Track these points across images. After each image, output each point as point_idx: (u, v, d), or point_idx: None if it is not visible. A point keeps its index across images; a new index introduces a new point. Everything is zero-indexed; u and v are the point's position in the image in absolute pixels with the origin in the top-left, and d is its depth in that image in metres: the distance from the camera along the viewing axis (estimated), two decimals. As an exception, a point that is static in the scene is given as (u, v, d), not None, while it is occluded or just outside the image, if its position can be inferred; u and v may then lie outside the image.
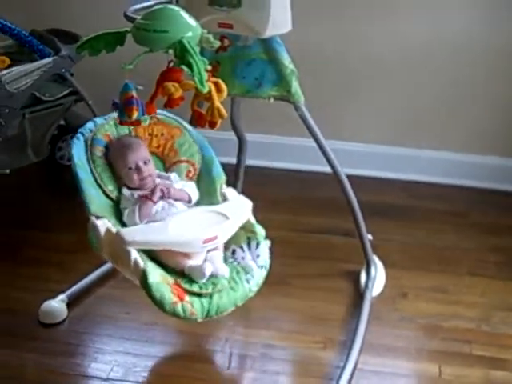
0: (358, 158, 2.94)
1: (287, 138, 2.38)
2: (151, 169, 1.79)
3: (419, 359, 2.01)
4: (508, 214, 2.75)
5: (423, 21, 2.74)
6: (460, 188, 2.92)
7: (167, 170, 1.88)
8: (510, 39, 2.71)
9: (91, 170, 1.75)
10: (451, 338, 2.08)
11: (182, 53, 1.42)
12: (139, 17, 1.50)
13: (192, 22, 1.49)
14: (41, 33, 2.60)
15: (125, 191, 1.77)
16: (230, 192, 1.83)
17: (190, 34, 1.46)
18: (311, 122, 1.99)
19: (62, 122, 2.82)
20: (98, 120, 1.85)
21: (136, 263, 1.56)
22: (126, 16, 1.66)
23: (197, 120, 1.59)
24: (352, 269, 2.33)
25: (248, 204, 1.75)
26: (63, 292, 2.18)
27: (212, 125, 1.55)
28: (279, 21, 1.78)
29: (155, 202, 1.73)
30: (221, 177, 1.86)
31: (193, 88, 1.47)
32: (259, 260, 1.72)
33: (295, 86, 1.91)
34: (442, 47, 2.76)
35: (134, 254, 1.56)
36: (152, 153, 1.86)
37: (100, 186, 1.75)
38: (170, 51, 1.46)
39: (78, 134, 1.80)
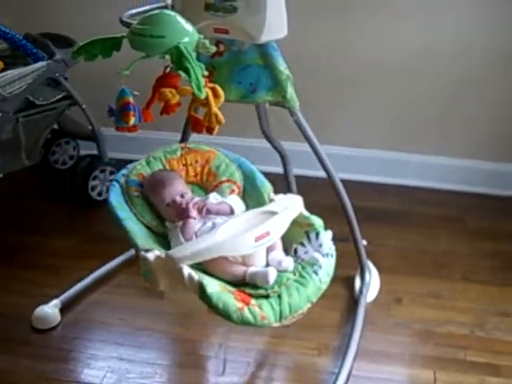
0: (353, 163, 2.95)
1: (282, 143, 2.37)
2: (189, 200, 1.73)
3: (414, 365, 2.01)
4: (502, 220, 2.75)
5: (419, 26, 2.74)
6: (454, 193, 2.93)
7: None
8: (507, 46, 2.71)
9: (130, 209, 1.72)
10: (445, 344, 2.08)
11: (178, 58, 1.42)
12: (135, 22, 1.49)
13: (188, 27, 1.49)
14: (35, 37, 2.59)
15: (169, 224, 1.72)
16: (279, 197, 1.77)
17: (186, 39, 1.45)
18: (306, 127, 1.99)
19: (56, 126, 2.81)
20: (130, 165, 1.83)
21: (191, 278, 1.45)
22: (121, 21, 1.66)
23: (194, 126, 1.59)
24: (346, 274, 2.32)
25: (298, 198, 1.71)
26: (56, 297, 2.17)
27: (209, 131, 1.55)
28: (275, 26, 1.78)
29: (194, 218, 1.67)
30: (266, 186, 1.82)
31: (190, 94, 1.47)
32: (323, 249, 1.65)
33: (290, 92, 1.91)
34: (438, 53, 2.76)
35: (187, 270, 1.47)
36: (191, 182, 1.84)
37: (143, 222, 1.72)
38: (167, 56, 1.45)
39: (113, 182, 1.78)
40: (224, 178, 1.85)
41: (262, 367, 2.00)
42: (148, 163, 1.84)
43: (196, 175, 1.87)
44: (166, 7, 1.84)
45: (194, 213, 1.67)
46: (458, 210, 2.82)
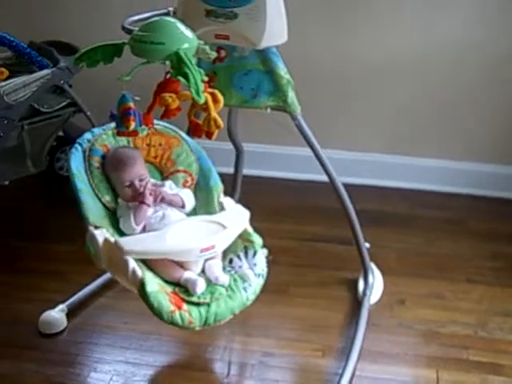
0: (355, 167, 2.96)
1: (284, 148, 2.39)
2: (147, 184, 1.78)
3: (417, 365, 2.02)
4: (505, 221, 2.76)
5: (420, 30, 2.76)
6: (457, 196, 2.94)
7: (164, 179, 1.89)
8: (507, 48, 2.73)
9: (89, 180, 1.76)
10: (449, 344, 2.09)
11: (178, 64, 1.43)
12: (136, 29, 1.52)
13: (188, 33, 1.50)
14: (39, 45, 2.62)
15: (121, 201, 1.78)
16: (228, 201, 1.84)
17: (186, 45, 1.47)
18: (308, 131, 2.00)
19: (61, 134, 2.83)
20: (96, 130, 1.86)
21: (134, 272, 1.56)
22: (123, 28, 1.68)
23: (193, 130, 1.61)
24: (350, 277, 2.34)
25: (245, 213, 1.76)
26: (63, 302, 2.19)
27: (209, 135, 1.56)
28: (275, 32, 1.80)
29: (149, 205, 1.74)
30: (218, 186, 1.87)
31: (189, 99, 1.48)
32: (256, 268, 1.73)
33: (291, 96, 1.93)
34: (439, 56, 2.78)
35: (132, 264, 1.57)
36: (149, 162, 1.88)
37: (97, 196, 1.76)
38: (167, 62, 1.47)
39: (76, 145, 1.81)
40: (181, 168, 1.89)
41: (266, 369, 2.01)
42: (113, 135, 1.85)
43: (156, 157, 1.90)
44: (167, 14, 1.86)
45: (150, 200, 1.74)
46: (459, 212, 2.83)
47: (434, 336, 2.13)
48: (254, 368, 2.01)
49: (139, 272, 1.57)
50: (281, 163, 2.67)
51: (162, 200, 1.77)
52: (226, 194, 1.88)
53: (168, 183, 1.84)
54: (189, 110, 1.58)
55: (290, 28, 1.84)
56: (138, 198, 1.75)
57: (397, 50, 2.80)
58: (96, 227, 1.66)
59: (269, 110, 1.99)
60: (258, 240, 1.76)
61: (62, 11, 2.94)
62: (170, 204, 1.79)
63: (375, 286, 2.31)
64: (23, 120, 2.49)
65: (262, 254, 1.76)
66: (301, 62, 2.56)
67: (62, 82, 2.56)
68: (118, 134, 1.64)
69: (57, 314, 2.15)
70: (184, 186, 1.87)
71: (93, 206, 1.72)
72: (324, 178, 2.10)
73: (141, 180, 1.78)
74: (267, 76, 1.92)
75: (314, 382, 1.96)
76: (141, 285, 1.55)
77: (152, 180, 1.83)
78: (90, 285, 2.29)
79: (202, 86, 1.43)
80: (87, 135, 1.84)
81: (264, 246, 1.77)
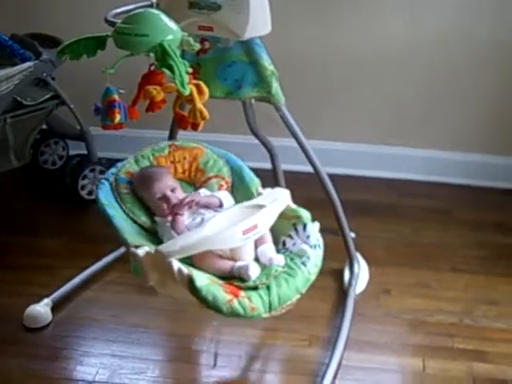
0: (340, 157, 2.96)
1: (270, 139, 2.39)
2: (179, 195, 1.76)
3: (403, 354, 2.03)
4: (490, 211, 2.78)
5: (406, 20, 2.76)
6: (443, 185, 2.95)
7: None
8: (494, 38, 2.73)
9: (120, 207, 1.74)
10: (434, 333, 2.10)
11: (162, 56, 1.43)
12: (120, 21, 1.51)
13: (172, 25, 1.50)
14: (21, 37, 2.59)
15: (158, 219, 1.75)
16: (267, 191, 1.79)
17: (170, 37, 1.47)
18: (292, 122, 2.00)
19: (45, 127, 2.81)
20: (119, 164, 1.85)
21: (180, 272, 1.47)
22: (106, 20, 1.67)
23: (179, 122, 1.60)
24: (336, 267, 2.34)
25: (285, 191, 1.73)
26: (47, 296, 2.18)
27: (194, 127, 1.56)
28: (259, 23, 1.80)
29: (182, 214, 1.70)
30: (254, 180, 1.84)
31: (174, 91, 1.48)
32: (311, 240, 1.66)
33: (276, 87, 1.92)
34: (425, 47, 2.78)
35: (177, 264, 1.48)
36: (179, 179, 1.86)
37: (133, 219, 1.73)
38: (151, 54, 1.47)
39: (102, 180, 1.80)
40: (212, 174, 1.87)
41: (253, 360, 2.02)
42: (136, 161, 1.86)
43: (184, 172, 1.89)
44: (150, 6, 1.85)
45: (183, 209, 1.70)
46: (445, 201, 2.85)
47: (420, 325, 2.14)
48: (240, 359, 2.01)
49: (185, 270, 1.48)
50: (265, 154, 2.64)
51: (198, 205, 1.72)
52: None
53: (202, 190, 1.82)
54: (174, 102, 1.57)
55: (274, 19, 1.83)
56: (172, 209, 1.71)
57: (382, 41, 2.80)
58: (136, 247, 1.57)
59: (253, 100, 1.99)
60: (304, 213, 1.71)
61: (44, 3, 2.91)
62: (207, 207, 1.74)
63: (361, 275, 2.32)
64: (6, 113, 2.47)
65: (313, 225, 1.70)
66: (285, 53, 2.57)
67: (44, 74, 2.55)
68: (104, 127, 1.62)
69: (41, 308, 2.14)
70: (220, 190, 1.84)
71: (130, 229, 1.68)
72: (308, 168, 2.10)
73: (172, 191, 1.75)
74: (251, 67, 1.91)
75: (300, 371, 1.97)
76: (189, 281, 1.46)
77: (185, 194, 1.79)
78: (76, 278, 2.27)
79: (186, 78, 1.43)
80: (111, 170, 1.84)
81: (313, 219, 1.72)
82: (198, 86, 1.52)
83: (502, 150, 2.92)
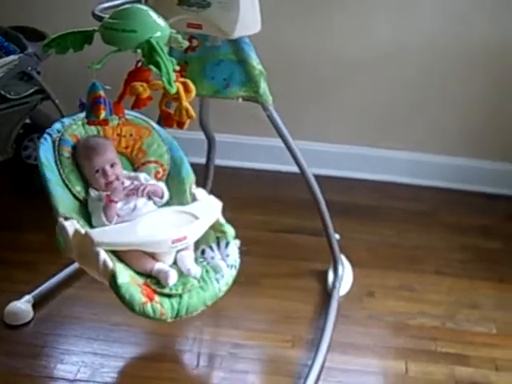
0: (326, 159, 2.96)
1: (256, 138, 2.38)
2: (118, 171, 1.77)
3: (386, 357, 2.03)
4: (474, 214, 2.79)
5: (394, 23, 2.77)
6: (426, 188, 2.96)
7: (136, 170, 1.87)
8: (481, 40, 2.74)
9: (59, 170, 1.74)
10: (417, 336, 2.11)
11: (150, 53, 1.41)
12: (107, 16, 1.49)
13: (161, 21, 1.48)
14: (6, 30, 2.56)
15: (92, 192, 1.75)
16: (200, 192, 1.82)
17: (158, 33, 1.45)
18: (279, 122, 2.00)
19: (28, 121, 2.78)
20: (66, 120, 1.83)
21: (105, 264, 1.54)
22: (93, 15, 1.65)
23: (165, 120, 1.59)
24: (320, 268, 2.34)
25: (217, 204, 1.75)
26: (29, 293, 2.15)
27: (180, 125, 1.54)
28: (248, 22, 1.79)
29: (116, 202, 1.71)
30: (190, 177, 1.85)
31: (161, 88, 1.46)
32: (229, 259, 1.72)
33: (263, 87, 1.91)
34: (413, 50, 2.79)
35: (103, 255, 1.55)
36: (120, 153, 1.85)
37: (68, 186, 1.74)
38: (139, 51, 1.45)
39: (45, 135, 1.78)
40: (152, 159, 1.88)
41: (236, 360, 2.00)
42: (83, 125, 1.82)
43: (127, 147, 1.88)
44: (139, 1, 1.83)
45: (118, 196, 1.72)
46: (429, 204, 2.86)
47: (403, 328, 2.14)
48: (223, 359, 2.00)
49: (110, 264, 1.55)
50: (252, 154, 2.66)
51: (142, 192, 1.75)
52: (198, 184, 1.86)
53: (142, 175, 1.82)
54: (160, 99, 1.56)
55: (262, 19, 1.83)
56: (108, 186, 1.73)
57: (370, 43, 2.80)
58: (66, 218, 1.63)
59: (240, 100, 1.98)
60: (230, 231, 1.75)
61: (29, -4, 2.88)
62: (153, 194, 1.77)
63: (345, 277, 2.32)
64: (-11, 107, 2.45)
65: (235, 244, 1.75)
66: (273, 52, 2.55)
67: (29, 68, 2.52)
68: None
69: (23, 305, 2.12)
70: (156, 177, 1.85)
71: (63, 197, 1.70)
72: (295, 168, 2.10)
73: (112, 166, 1.76)
74: (239, 66, 1.91)
75: (283, 372, 1.96)
76: (112, 276, 1.54)
77: (125, 172, 1.81)
78: (58, 275, 2.26)
79: (173, 76, 1.42)
80: (57, 125, 1.81)
81: (236, 236, 1.76)
82: (184, 84, 1.50)
83: (488, 155, 2.93)
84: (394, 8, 2.74)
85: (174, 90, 1.43)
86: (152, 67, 1.41)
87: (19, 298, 2.13)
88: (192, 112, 1.52)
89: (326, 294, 2.25)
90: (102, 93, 1.52)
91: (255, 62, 1.90)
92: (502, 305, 2.26)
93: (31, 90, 2.57)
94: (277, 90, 1.98)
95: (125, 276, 1.56)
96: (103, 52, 1.46)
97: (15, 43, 2.51)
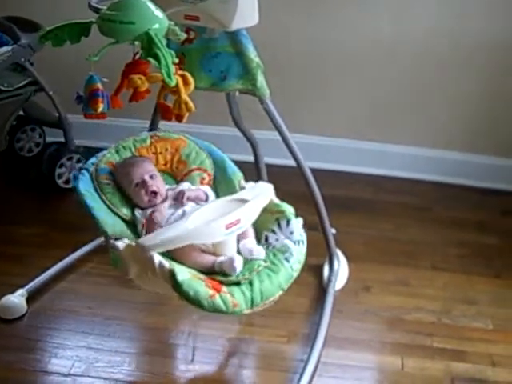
0: (322, 152, 2.95)
1: (252, 132, 2.37)
2: (159, 184, 1.74)
3: (382, 352, 2.03)
4: (470, 209, 2.79)
5: (391, 17, 2.76)
6: (424, 182, 2.96)
7: (179, 183, 1.84)
8: (478, 36, 2.74)
9: (100, 197, 1.71)
10: (413, 331, 2.10)
11: (148, 45, 1.40)
12: (105, 7, 1.47)
13: (159, 13, 1.47)
14: (-1, 20, 2.54)
15: (137, 212, 1.72)
16: (250, 185, 1.78)
17: (156, 25, 1.43)
18: (276, 115, 1.98)
19: (22, 113, 2.76)
20: (99, 153, 1.82)
21: (161, 266, 1.46)
22: (90, 6, 1.63)
23: (163, 113, 1.57)
24: (316, 262, 2.33)
25: (268, 186, 1.72)
26: (23, 286, 2.14)
27: (179, 118, 1.53)
28: (246, 14, 1.78)
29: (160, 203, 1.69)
30: (237, 174, 1.83)
31: (159, 81, 1.45)
32: (294, 236, 1.66)
33: (261, 80, 1.90)
34: (408, 44, 2.78)
35: (158, 258, 1.47)
36: (161, 171, 1.83)
37: (113, 210, 1.70)
38: (137, 43, 1.44)
39: (82, 171, 1.76)
40: (194, 166, 1.85)
41: (231, 355, 2.00)
42: (117, 152, 1.83)
43: (166, 163, 1.87)
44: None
45: (163, 214, 1.68)
46: (425, 199, 2.85)
47: (399, 323, 2.14)
48: (218, 354, 1.99)
49: (166, 264, 1.46)
50: (248, 147, 2.63)
51: (186, 198, 1.71)
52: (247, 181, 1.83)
53: (185, 184, 1.80)
54: (158, 92, 1.54)
55: (262, 12, 1.81)
56: (153, 201, 1.70)
57: (367, 37, 2.79)
58: (116, 239, 1.57)
59: (237, 93, 1.96)
60: (288, 208, 1.71)
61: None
62: (195, 200, 1.73)
63: (340, 272, 2.31)
64: (-18, 99, 2.43)
65: (297, 221, 1.69)
66: (271, 46, 2.54)
67: (23, 59, 2.50)
68: (86, 116, 1.59)
69: (16, 299, 2.10)
70: (202, 183, 1.82)
71: (109, 221, 1.66)
72: (291, 162, 2.09)
73: (151, 177, 1.73)
74: (237, 59, 1.89)
75: (278, 367, 1.95)
76: (171, 275, 1.44)
77: (167, 186, 1.78)
78: (51, 268, 2.24)
79: (172, 68, 1.40)
80: (91, 159, 1.80)
81: (296, 215, 1.71)
82: (183, 77, 1.49)
83: (484, 150, 2.93)
84: (393, 3, 2.73)
85: (173, 83, 1.42)
86: (151, 60, 1.40)
87: (13, 291, 2.11)
88: (191, 105, 1.51)
89: (322, 289, 2.25)
90: (99, 85, 1.50)
91: (253, 54, 1.88)
92: (498, 300, 2.26)
93: (25, 82, 2.56)
94: (274, 84, 1.97)
95: (185, 273, 1.48)
96: (101, 44, 1.44)
97: (9, 34, 2.49)
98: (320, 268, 2.32)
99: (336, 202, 2.53)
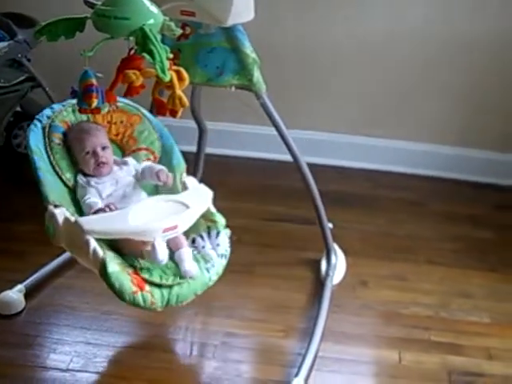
0: (319, 147, 2.95)
1: (248, 127, 2.37)
2: (109, 155, 1.76)
3: (379, 346, 2.03)
4: (465, 204, 2.80)
5: (385, 13, 2.77)
6: (418, 177, 2.96)
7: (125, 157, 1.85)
8: (467, 31, 2.74)
9: (49, 157, 1.72)
10: (410, 325, 2.11)
11: (143, 40, 1.40)
12: (99, 3, 1.47)
13: (154, 9, 1.46)
14: (-4, 16, 2.54)
15: (80, 178, 1.74)
16: (190, 181, 1.81)
17: (151, 21, 1.43)
18: (273, 110, 1.98)
19: (19, 109, 2.76)
20: (56, 106, 1.82)
21: (95, 252, 1.54)
22: (85, 2, 1.63)
23: (158, 108, 1.57)
24: (313, 257, 2.34)
25: (208, 193, 1.74)
26: (21, 282, 2.14)
27: (173, 113, 1.53)
28: (242, 9, 1.78)
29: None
30: (181, 165, 1.84)
31: (154, 76, 1.45)
32: (219, 249, 1.72)
33: (257, 75, 1.90)
34: (402, 41, 2.79)
35: (93, 244, 1.54)
36: (111, 140, 1.84)
37: (58, 174, 1.72)
38: (131, 38, 1.43)
39: (35, 121, 1.77)
40: (143, 146, 1.87)
41: (228, 349, 2.00)
42: (74, 111, 1.82)
43: (117, 135, 1.87)
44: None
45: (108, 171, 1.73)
46: (421, 194, 2.86)
47: (396, 317, 2.14)
48: (216, 348, 2.00)
49: (100, 252, 1.54)
50: (245, 142, 2.65)
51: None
52: (188, 173, 1.85)
53: (130, 160, 1.81)
54: (153, 87, 1.54)
55: (258, 8, 1.81)
56: (99, 171, 1.73)
57: (361, 33, 2.80)
58: (56, 206, 1.62)
59: (233, 88, 1.96)
60: (221, 220, 1.75)
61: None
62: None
63: (338, 266, 2.32)
64: (-21, 95, 2.43)
65: (225, 234, 1.75)
66: (267, 42, 2.54)
67: (19, 55, 2.50)
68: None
69: (14, 295, 2.10)
70: None
71: (53, 185, 1.68)
72: (288, 157, 2.09)
73: (103, 149, 1.74)
74: (233, 54, 1.89)
75: (276, 362, 1.96)
76: (102, 265, 1.53)
77: (114, 157, 1.80)
78: (49, 264, 2.24)
79: (167, 64, 1.40)
80: (46, 111, 1.80)
81: (227, 225, 1.75)
82: (178, 73, 1.49)
83: (478, 144, 2.94)
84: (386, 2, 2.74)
85: (167, 79, 1.42)
86: (145, 55, 1.40)
87: (11, 287, 2.11)
88: (185, 100, 1.50)
89: (319, 283, 2.25)
90: (94, 81, 1.50)
91: (249, 49, 1.88)
92: (494, 294, 2.27)
93: (21, 78, 2.56)
94: (270, 79, 1.97)
95: (115, 264, 1.55)
96: (95, 39, 1.44)
97: (5, 30, 2.49)
98: (317, 263, 2.33)
99: (333, 196, 2.52)
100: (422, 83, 2.87)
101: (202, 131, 2.34)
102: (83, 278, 2.22)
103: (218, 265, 1.70)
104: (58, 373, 1.88)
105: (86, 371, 1.89)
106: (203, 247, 1.71)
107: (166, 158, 1.86)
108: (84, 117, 1.82)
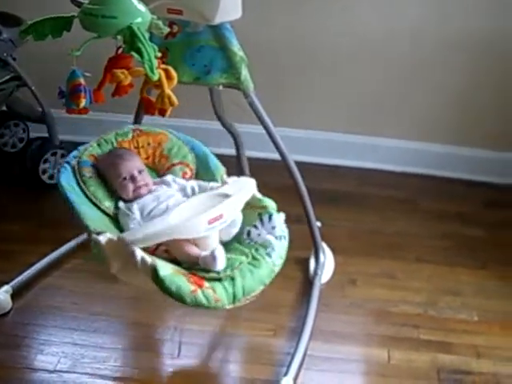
0: (307, 145, 2.95)
1: (237, 125, 2.37)
2: (147, 177, 1.74)
3: (368, 344, 2.03)
4: (455, 201, 2.80)
5: (378, 12, 2.76)
6: (407, 175, 2.96)
7: (161, 177, 1.83)
8: (462, 29, 2.75)
9: (83, 191, 1.70)
10: (399, 323, 2.11)
11: (131, 39, 1.39)
12: (87, 1, 1.46)
13: (141, 7, 1.46)
14: (-20, 15, 2.52)
15: (121, 205, 1.71)
16: (232, 179, 1.77)
17: (139, 19, 1.43)
18: (260, 108, 1.98)
19: (5, 108, 2.74)
20: (81, 147, 1.81)
21: (143, 261, 1.45)
22: (72, 0, 1.61)
23: (146, 108, 1.57)
24: (301, 256, 2.34)
25: (251, 181, 1.72)
26: (7, 283, 2.12)
27: (162, 112, 1.53)
28: (229, 7, 1.77)
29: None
30: (219, 168, 1.83)
31: (142, 75, 1.44)
32: (276, 231, 1.66)
33: (245, 74, 1.89)
34: (393, 39, 2.79)
35: (140, 253, 1.47)
36: None
37: (95, 204, 1.70)
38: (119, 37, 1.43)
39: (64, 164, 1.76)
40: (176, 161, 1.86)
41: (217, 349, 2.01)
42: (99, 145, 1.83)
43: (148, 158, 1.86)
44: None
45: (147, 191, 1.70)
46: (410, 191, 2.86)
47: (385, 315, 2.14)
48: (204, 348, 1.99)
49: (149, 259, 1.46)
50: (230, 140, 2.62)
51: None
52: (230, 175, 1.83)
53: (169, 177, 1.80)
54: (141, 86, 1.54)
55: (247, 6, 1.81)
56: (139, 195, 1.71)
57: (353, 31, 2.79)
58: (98, 233, 1.54)
59: (221, 87, 1.96)
60: (270, 203, 1.71)
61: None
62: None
63: (326, 265, 2.31)
64: (-36, 94, 2.40)
65: (279, 216, 1.70)
66: (256, 40, 2.54)
67: (5, 54, 2.47)
68: (68, 111, 1.58)
69: (1, 295, 2.08)
70: (184, 177, 1.82)
71: (91, 215, 1.65)
72: (276, 155, 2.08)
73: (140, 172, 1.73)
74: (220, 52, 1.88)
75: (265, 361, 1.96)
76: (153, 271, 1.44)
77: (152, 180, 1.78)
78: (36, 264, 2.22)
79: (155, 62, 1.40)
80: (73, 153, 1.80)
81: (278, 210, 1.71)
82: (166, 71, 1.49)
83: (468, 142, 2.94)
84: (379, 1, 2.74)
85: (156, 77, 1.42)
86: (133, 54, 1.39)
87: (-3, 288, 2.10)
88: (174, 99, 1.50)
89: (308, 282, 2.25)
90: (81, 80, 1.49)
91: (236, 48, 1.87)
92: (483, 292, 2.27)
93: (7, 77, 2.54)
94: (258, 77, 1.96)
95: (167, 268, 1.48)
96: (83, 38, 1.43)
97: (-11, 29, 2.46)
98: (306, 261, 2.33)
99: (321, 195, 2.52)
100: (414, 82, 2.87)
101: (234, 137, 2.29)
102: (70, 279, 2.22)
103: (279, 247, 1.63)
104: (46, 374, 1.87)
105: (74, 372, 1.87)
106: (259, 235, 1.66)
107: (202, 167, 1.85)
108: (109, 147, 1.82)
